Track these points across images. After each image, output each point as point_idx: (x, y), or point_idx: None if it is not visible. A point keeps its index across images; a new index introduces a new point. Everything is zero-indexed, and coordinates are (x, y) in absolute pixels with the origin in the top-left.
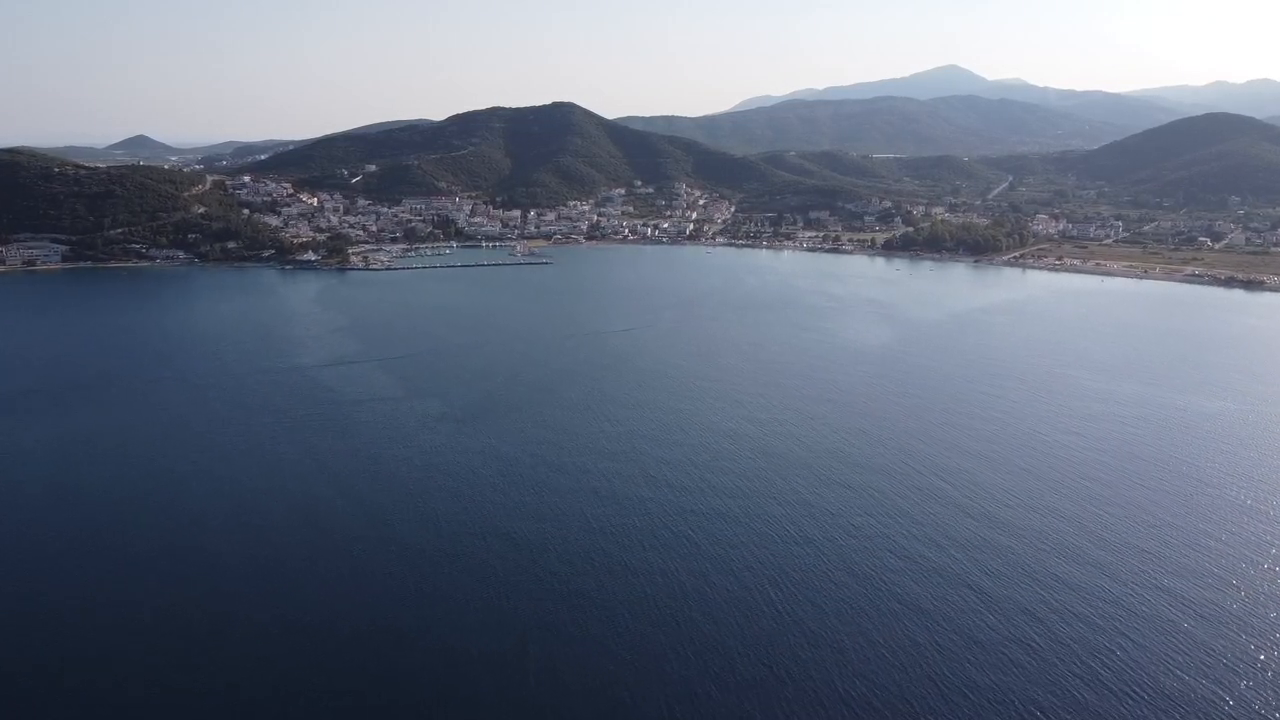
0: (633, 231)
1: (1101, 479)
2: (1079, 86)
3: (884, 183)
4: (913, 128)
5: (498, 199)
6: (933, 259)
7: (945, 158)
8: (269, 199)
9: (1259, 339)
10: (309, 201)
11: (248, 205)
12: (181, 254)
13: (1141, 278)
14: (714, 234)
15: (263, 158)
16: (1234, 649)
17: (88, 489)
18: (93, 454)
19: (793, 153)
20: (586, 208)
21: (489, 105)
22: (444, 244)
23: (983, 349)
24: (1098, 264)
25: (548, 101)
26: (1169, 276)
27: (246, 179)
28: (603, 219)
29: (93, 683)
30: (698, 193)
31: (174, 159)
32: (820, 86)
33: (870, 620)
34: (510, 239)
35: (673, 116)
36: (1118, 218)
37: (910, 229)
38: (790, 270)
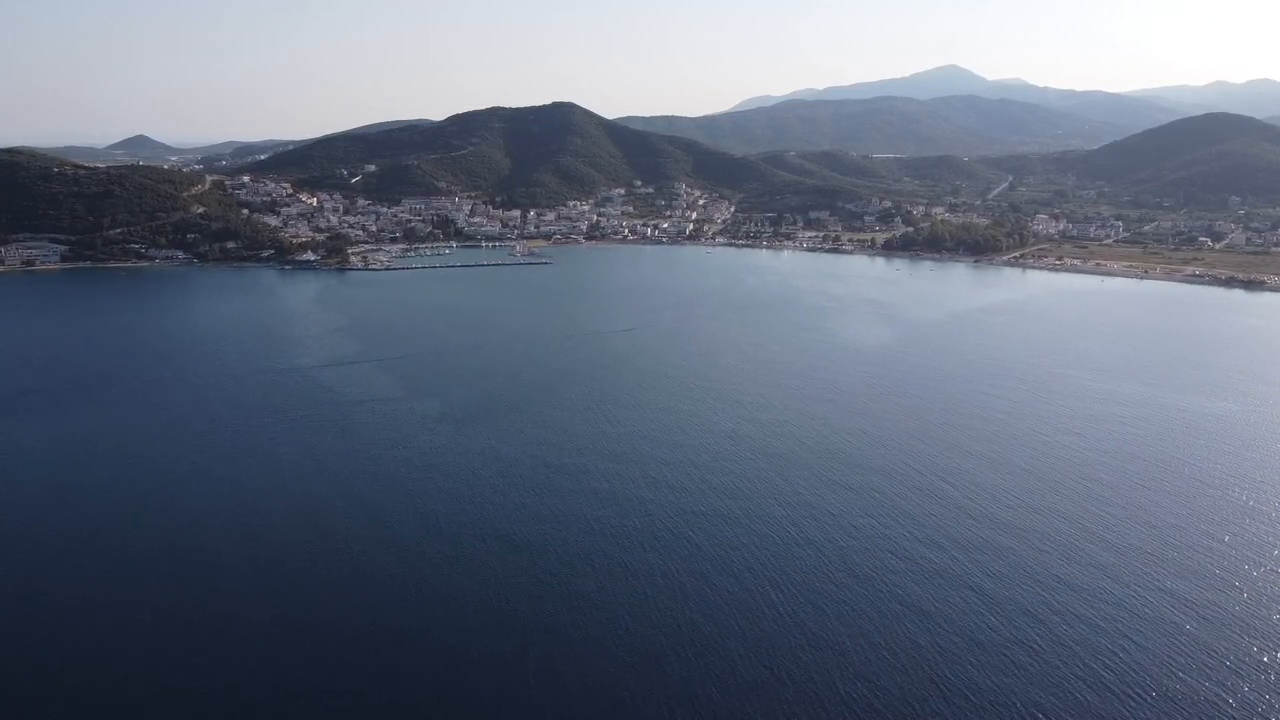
0: (632, 231)
1: (1102, 480)
2: (1079, 86)
3: (884, 183)
4: (913, 128)
5: (497, 199)
6: (933, 259)
7: (945, 158)
8: (268, 199)
9: (1259, 339)
10: (308, 201)
11: (247, 205)
12: (181, 254)
13: (1142, 278)
14: (714, 234)
15: (262, 158)
16: (1236, 651)
17: (88, 489)
18: (93, 454)
19: (793, 153)
20: (586, 208)
21: (489, 105)
22: (443, 244)
23: (983, 349)
24: (1098, 264)
25: (548, 101)
26: (1169, 276)
27: (246, 179)
28: (602, 219)
29: (93, 683)
30: (698, 193)
31: (174, 159)
32: (820, 86)
33: (872, 622)
34: (510, 239)
35: (673, 116)
36: (1118, 218)
37: (910, 229)
38: (790, 270)
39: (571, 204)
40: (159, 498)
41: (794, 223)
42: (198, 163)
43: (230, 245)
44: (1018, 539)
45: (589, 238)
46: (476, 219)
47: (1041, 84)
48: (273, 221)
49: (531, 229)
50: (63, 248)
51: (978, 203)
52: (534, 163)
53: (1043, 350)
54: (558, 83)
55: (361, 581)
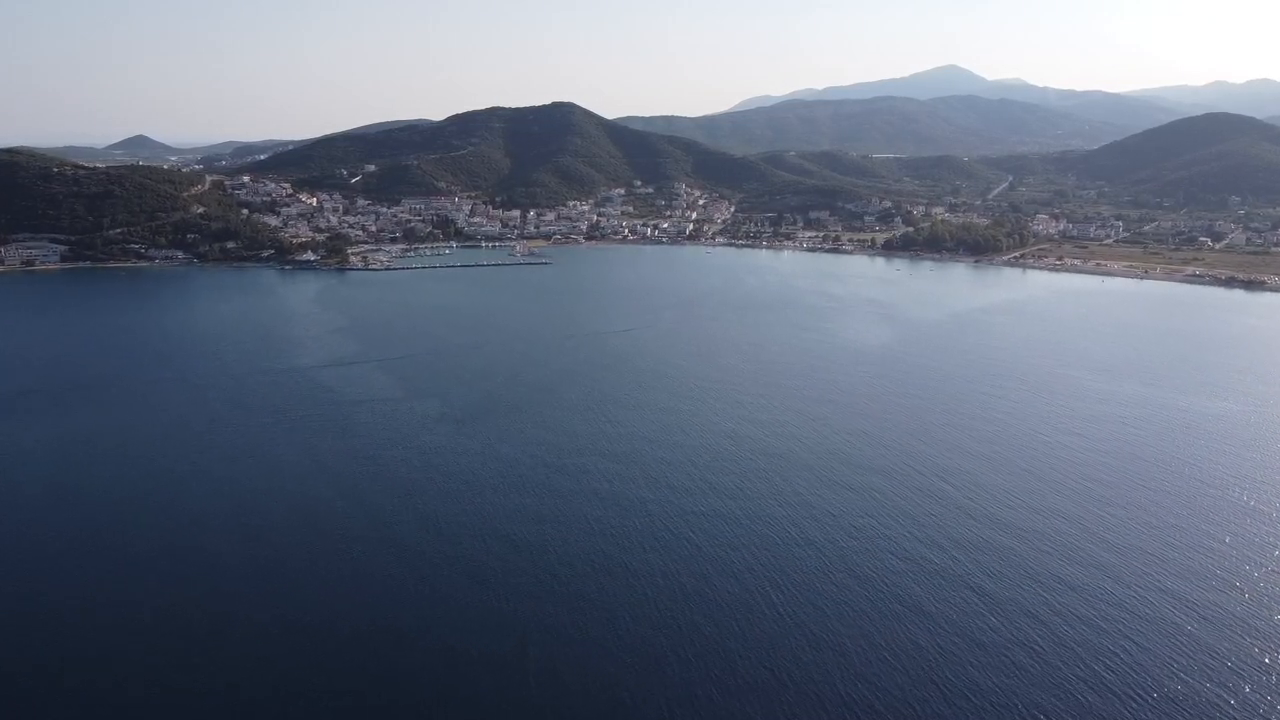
0: (632, 231)
1: (1103, 480)
2: (1079, 86)
3: (884, 183)
4: (913, 128)
5: (497, 199)
6: (933, 259)
7: (945, 158)
8: (268, 199)
9: (1260, 339)
10: (308, 201)
11: (247, 205)
12: (180, 254)
13: (1142, 278)
14: (714, 234)
15: (262, 158)
16: (1238, 652)
17: (88, 489)
18: (93, 454)
19: (792, 153)
20: (586, 208)
21: (489, 105)
22: (443, 244)
23: (983, 349)
24: (1098, 264)
25: (547, 101)
26: (1169, 276)
27: (246, 179)
28: (602, 219)
29: (93, 683)
30: (697, 193)
31: (173, 159)
32: (820, 86)
33: (872, 622)
34: (510, 239)
35: (672, 116)
36: (1118, 218)
37: (910, 229)
38: (790, 270)
39: (571, 204)
40: (159, 498)
41: (794, 223)
42: (198, 163)
43: (230, 245)
44: (1019, 539)
45: (589, 238)
46: (476, 219)
47: (1041, 84)
48: (272, 221)
49: (531, 229)
50: (62, 248)
51: (978, 203)
52: (534, 163)
53: (1043, 350)
54: (558, 83)
55: (361, 581)
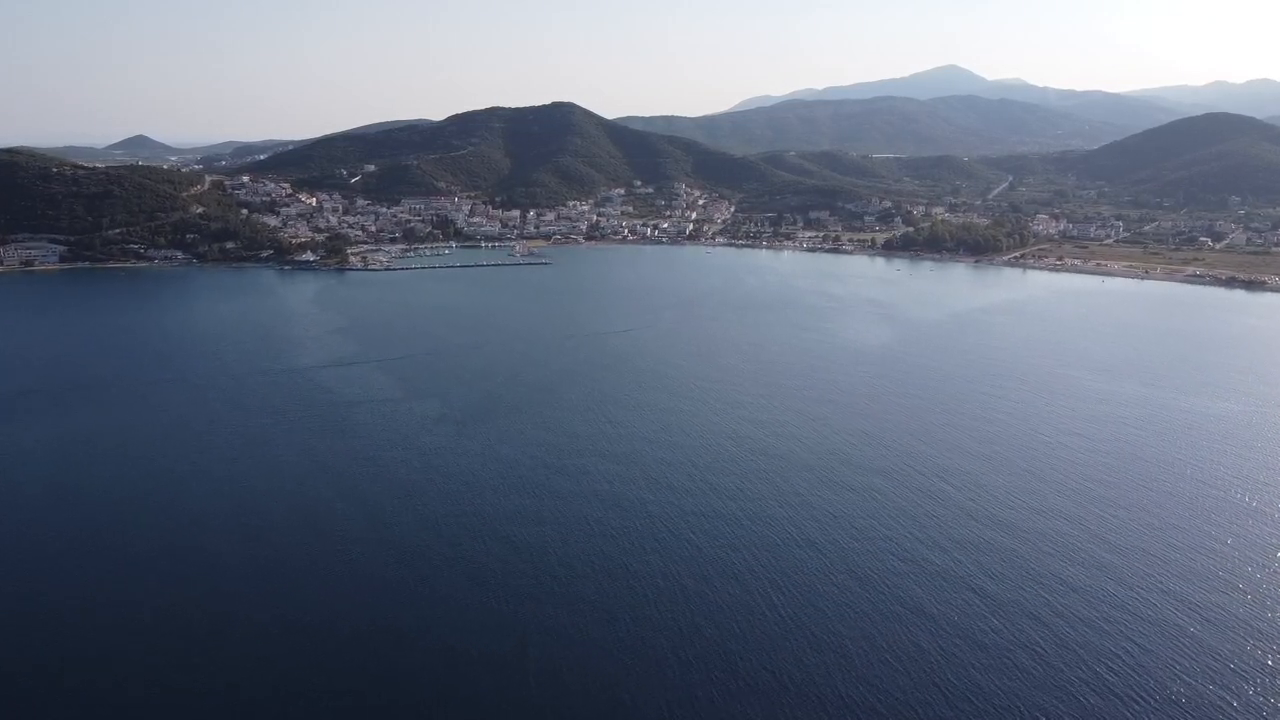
0: (632, 231)
1: (1104, 480)
2: (1079, 86)
3: (884, 183)
4: (912, 128)
5: (497, 199)
6: (933, 259)
7: (945, 158)
8: (268, 199)
9: (1260, 339)
10: (308, 202)
11: (246, 205)
12: (180, 254)
13: (1142, 278)
14: (714, 234)
15: (262, 158)
16: (1240, 653)
17: (88, 489)
18: (93, 454)
19: (792, 153)
20: (586, 208)
21: (488, 105)
22: (443, 244)
23: (983, 349)
24: (1098, 264)
25: (547, 101)
26: (1170, 277)
27: (245, 179)
28: (602, 219)
29: (93, 683)
30: (697, 193)
31: (173, 159)
32: (820, 86)
33: (873, 624)
34: (509, 239)
35: (672, 116)
36: (1118, 218)
37: (910, 229)
38: (790, 270)
39: (571, 204)
40: (159, 498)
41: (794, 223)
42: (197, 163)
43: (229, 245)
44: (1020, 540)
45: (589, 238)
46: (476, 219)
47: (1041, 84)
48: (272, 222)
49: (531, 229)
50: (62, 248)
51: (978, 203)
52: (534, 163)
53: (1043, 350)
54: (558, 83)
55: (361, 582)
